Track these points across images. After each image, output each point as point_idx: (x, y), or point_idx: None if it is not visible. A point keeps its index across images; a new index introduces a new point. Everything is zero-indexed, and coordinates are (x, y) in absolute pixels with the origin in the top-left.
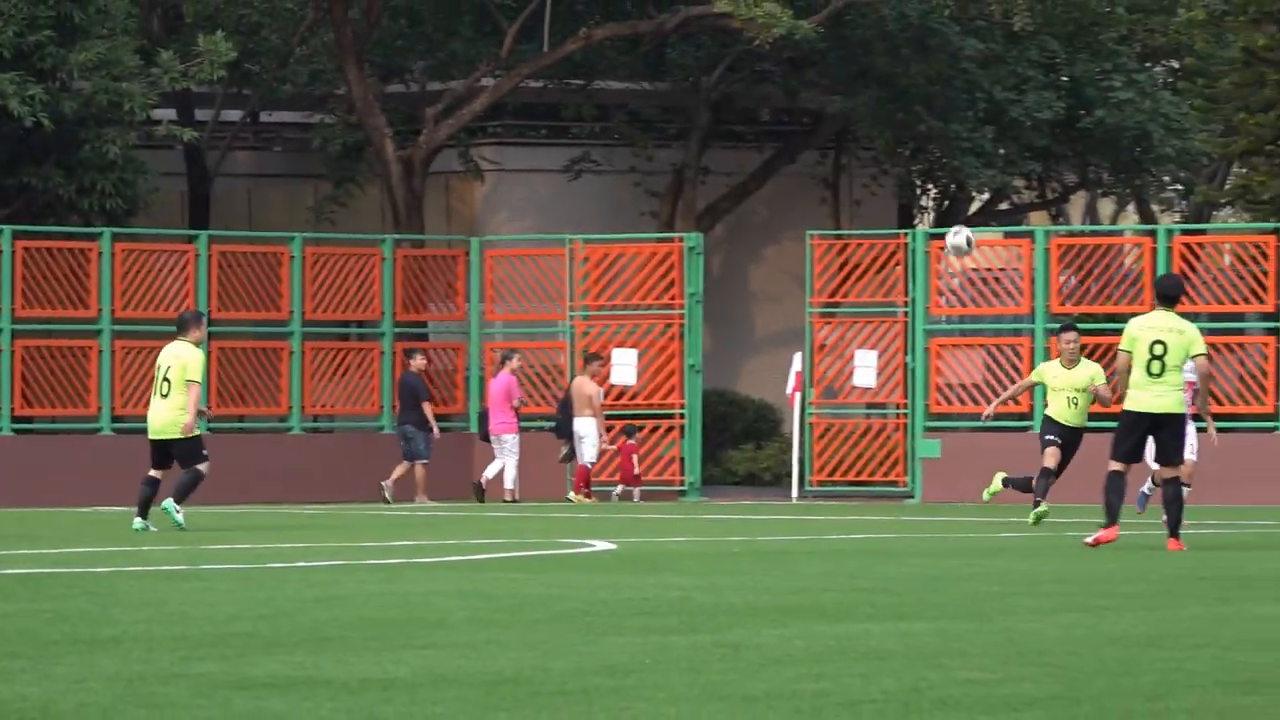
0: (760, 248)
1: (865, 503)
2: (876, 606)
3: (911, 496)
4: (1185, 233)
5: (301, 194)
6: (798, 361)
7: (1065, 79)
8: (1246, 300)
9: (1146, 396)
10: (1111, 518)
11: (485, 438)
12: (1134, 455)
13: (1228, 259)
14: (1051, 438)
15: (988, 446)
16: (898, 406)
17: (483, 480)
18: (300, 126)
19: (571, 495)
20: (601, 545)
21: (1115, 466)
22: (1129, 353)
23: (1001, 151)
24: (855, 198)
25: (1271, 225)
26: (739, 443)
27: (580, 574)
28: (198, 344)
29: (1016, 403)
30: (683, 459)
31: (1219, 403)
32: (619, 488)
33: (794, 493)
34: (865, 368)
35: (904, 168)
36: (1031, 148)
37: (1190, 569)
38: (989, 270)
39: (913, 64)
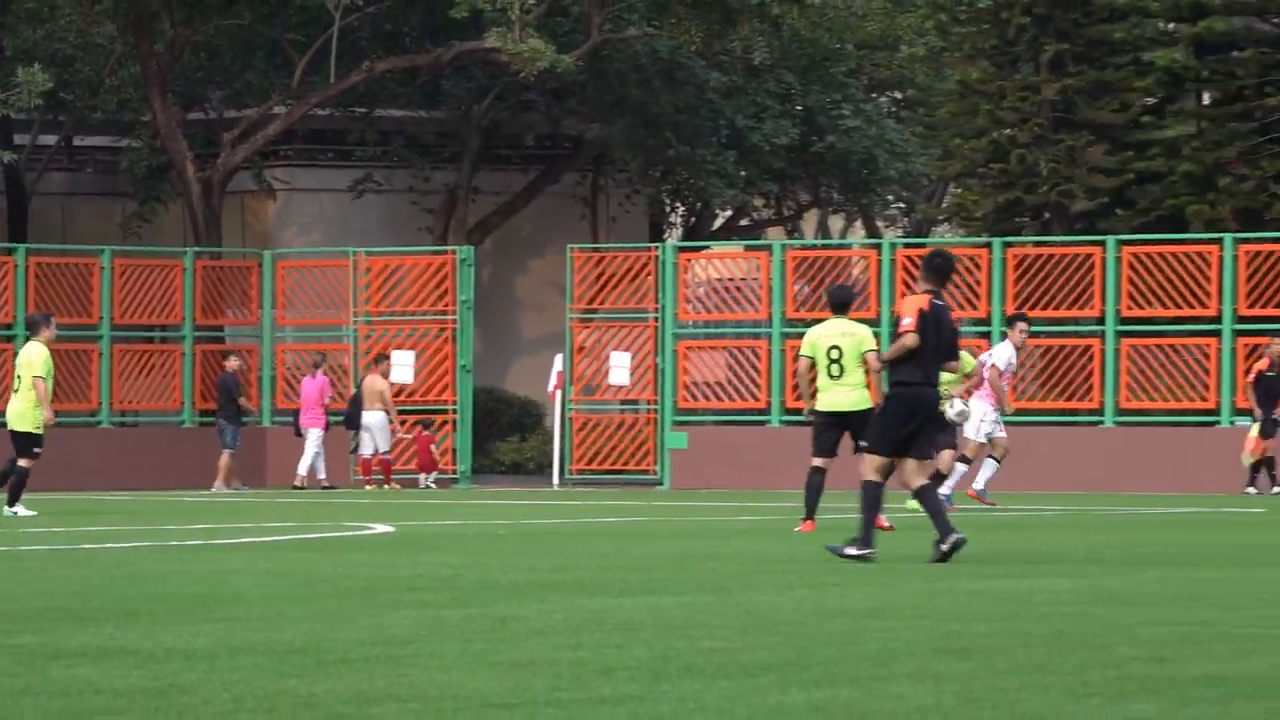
0: (525, 260)
1: (619, 489)
2: (629, 583)
3: (661, 484)
4: (907, 246)
5: (111, 211)
6: (559, 362)
7: (800, 108)
8: (961, 307)
9: (831, 397)
10: (810, 512)
11: (298, 433)
12: (830, 452)
13: None
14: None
15: (731, 439)
16: (649, 403)
17: (302, 478)
18: (110, 150)
19: (364, 483)
20: (382, 528)
21: (816, 463)
22: (810, 358)
23: (743, 173)
24: (611, 215)
25: (984, 239)
26: (506, 435)
27: (362, 554)
28: (47, 343)
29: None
30: (455, 450)
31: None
32: (426, 476)
33: (555, 480)
34: (620, 368)
35: (655, 188)
36: (769, 170)
37: (908, 548)
38: (731, 280)
39: (663, 95)
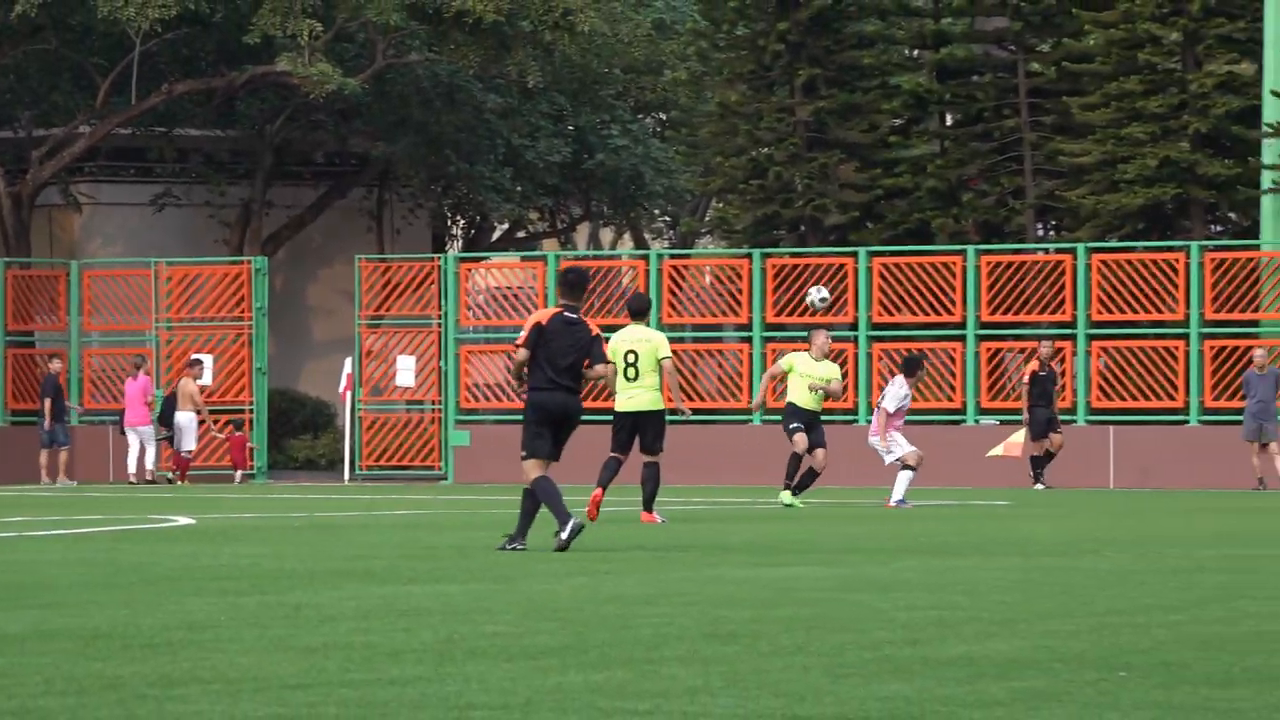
0: (316, 269)
1: (407, 484)
2: (416, 571)
3: (445, 479)
4: (673, 257)
5: None
6: (349, 365)
7: (571, 128)
8: (724, 313)
9: (626, 398)
10: (601, 485)
11: (123, 431)
12: (626, 448)
13: (708, 279)
14: (797, 425)
15: (510, 437)
16: (433, 403)
17: (142, 471)
18: None
19: (171, 478)
20: (184, 520)
21: (614, 454)
22: (610, 363)
23: (518, 189)
24: (396, 227)
25: (744, 251)
26: (299, 433)
27: (166, 545)
28: None
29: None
30: (253, 447)
31: (701, 399)
32: (239, 473)
33: (346, 476)
34: (405, 370)
35: (437, 202)
36: (544, 185)
37: (679, 539)
38: (509, 288)
39: (444, 115)
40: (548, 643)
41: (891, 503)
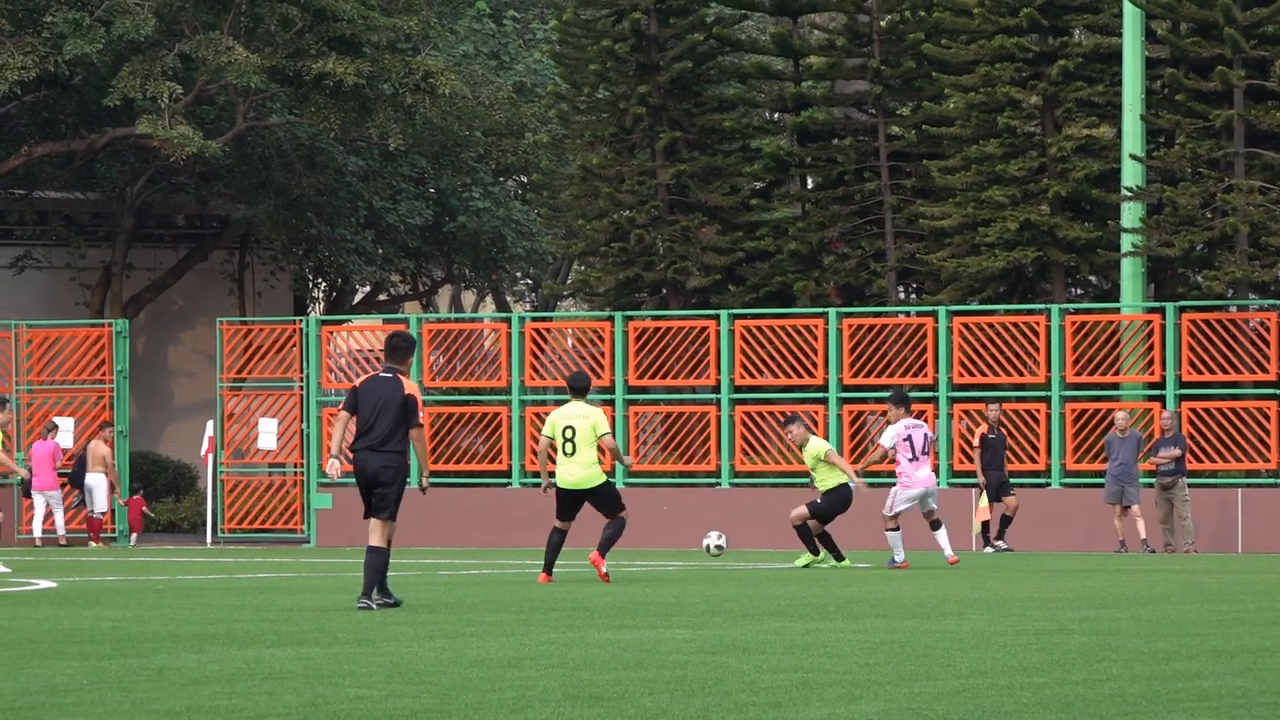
0: (178, 331)
1: (269, 547)
2: (279, 634)
3: (308, 541)
4: (535, 319)
5: None
6: (210, 428)
7: (433, 190)
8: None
9: (564, 472)
10: (547, 568)
11: (27, 493)
12: (569, 517)
13: (570, 342)
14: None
15: None
16: (295, 465)
17: (44, 533)
18: None
19: (91, 539)
20: (45, 584)
21: (558, 524)
22: (550, 437)
23: (380, 251)
24: (258, 290)
25: (606, 313)
26: (161, 496)
27: (26, 608)
28: None
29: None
30: (113, 510)
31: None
32: (135, 536)
33: (209, 539)
34: (267, 433)
35: (298, 264)
36: (405, 248)
37: (544, 600)
38: (371, 351)
39: (305, 178)
40: (411, 706)
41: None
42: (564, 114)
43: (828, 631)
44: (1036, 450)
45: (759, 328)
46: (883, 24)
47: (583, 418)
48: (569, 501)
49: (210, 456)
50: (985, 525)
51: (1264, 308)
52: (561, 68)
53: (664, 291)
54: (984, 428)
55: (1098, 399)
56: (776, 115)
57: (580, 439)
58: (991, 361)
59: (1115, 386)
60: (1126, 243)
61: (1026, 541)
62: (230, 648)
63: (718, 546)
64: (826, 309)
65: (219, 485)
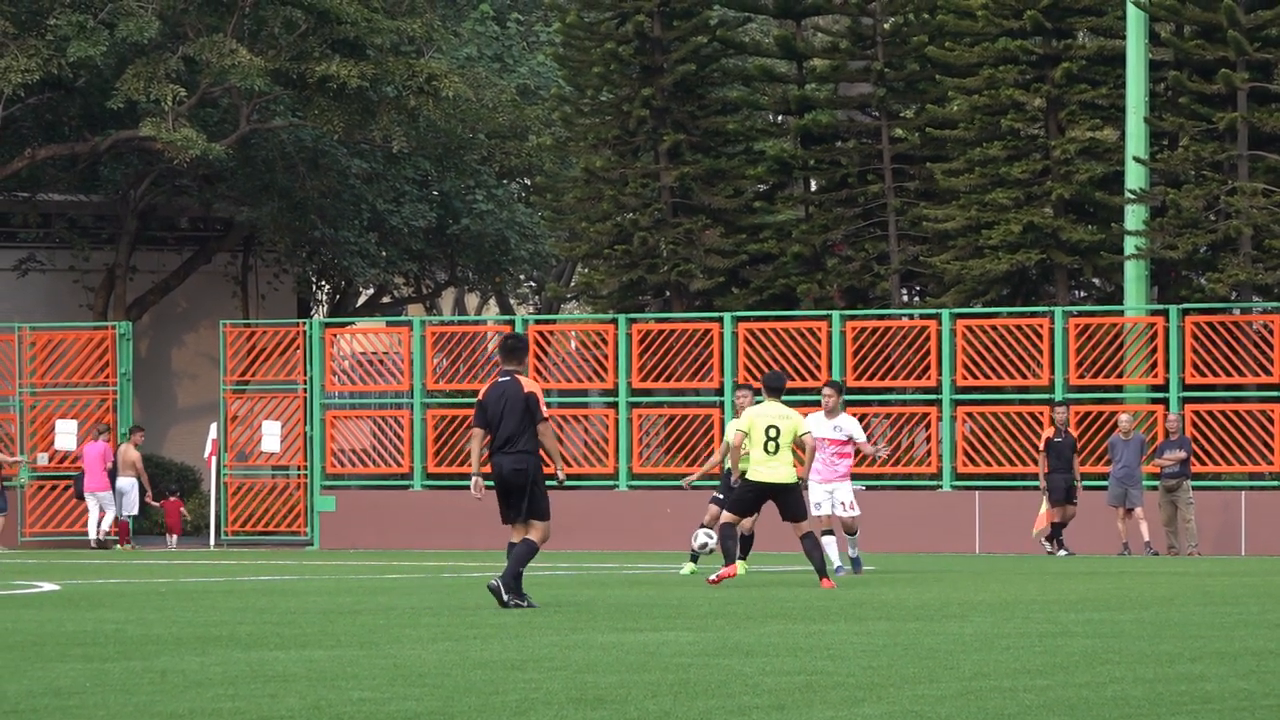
0: (181, 334)
1: (272, 549)
2: (283, 637)
3: (311, 544)
4: (538, 322)
5: None
6: (214, 430)
7: (436, 193)
8: (590, 379)
9: (765, 471)
10: (729, 558)
11: (80, 495)
12: (750, 513)
13: (574, 344)
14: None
15: (376, 502)
16: (299, 468)
17: (100, 534)
18: None
19: (119, 542)
20: (48, 586)
21: (729, 518)
22: (744, 432)
23: (384, 254)
24: (261, 292)
25: (610, 316)
26: (165, 499)
27: (30, 610)
28: None
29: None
30: (185, 514)
31: (568, 464)
32: (173, 537)
33: (212, 541)
34: (271, 435)
35: (302, 267)
36: (409, 251)
37: (547, 602)
38: (374, 354)
39: (308, 180)
40: (414, 709)
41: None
42: (567, 116)
43: (831, 634)
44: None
45: (762, 330)
46: (886, 26)
47: (786, 418)
48: (759, 498)
49: (214, 459)
50: (1056, 527)
51: (1267, 310)
52: (565, 70)
53: (667, 294)
54: (1051, 430)
55: (1101, 401)
56: (780, 118)
57: (783, 439)
58: (995, 364)
59: (1118, 389)
60: (1130, 245)
61: (1032, 544)
62: (233, 650)
63: (701, 545)
64: (830, 311)
65: (222, 488)
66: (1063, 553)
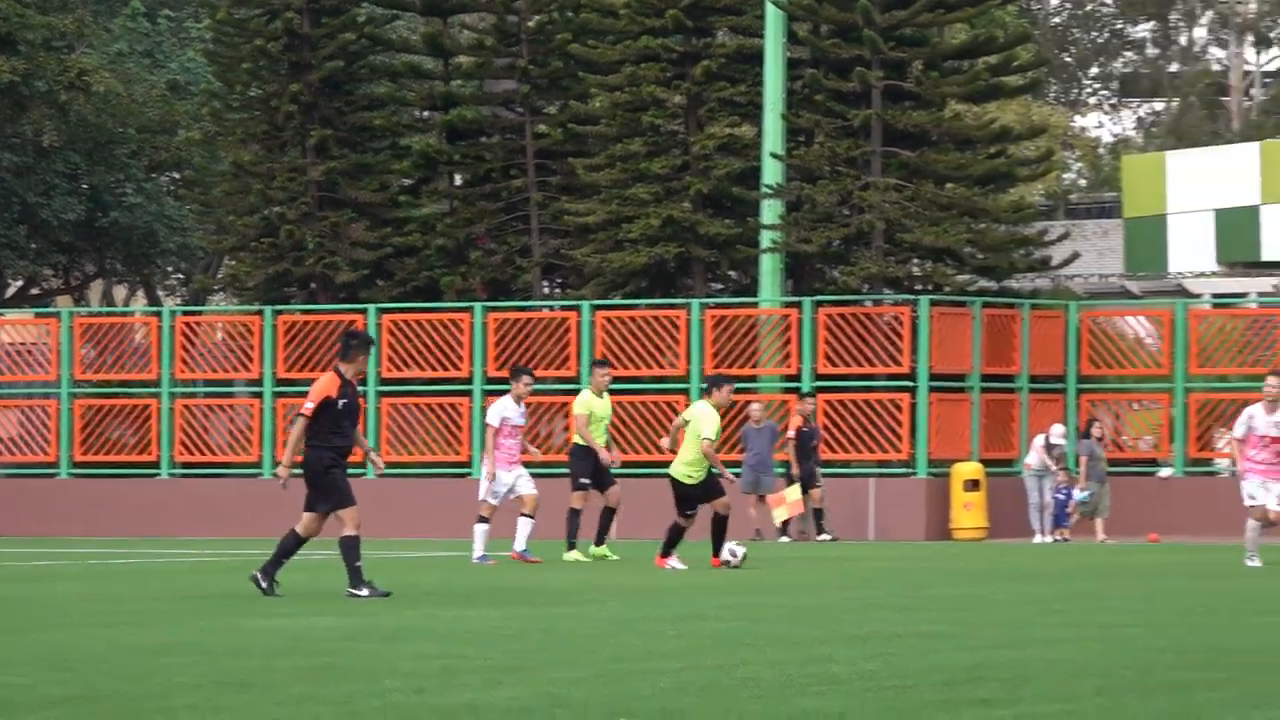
0: None
1: None
2: None
3: None
4: (186, 313)
5: None
6: None
7: (86, 186)
8: (235, 369)
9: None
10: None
11: None
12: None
13: (220, 335)
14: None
15: (23, 489)
16: None
17: None
18: None
19: None
20: None
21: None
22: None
23: (33, 246)
24: None
25: (256, 308)
26: None
27: None
28: None
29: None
30: None
31: (212, 453)
32: None
33: None
34: None
35: None
36: (58, 243)
37: (193, 589)
38: (22, 344)
39: None
40: (61, 693)
41: (516, 551)
42: (217, 111)
43: (473, 619)
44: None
45: (406, 322)
46: (531, 25)
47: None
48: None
49: None
50: (817, 513)
51: (898, 302)
52: (215, 66)
53: (313, 286)
54: (799, 420)
55: (736, 391)
56: (426, 113)
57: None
58: (634, 354)
59: (753, 379)
60: (766, 239)
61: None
62: None
63: (731, 553)
64: (472, 303)
65: None
66: (825, 536)
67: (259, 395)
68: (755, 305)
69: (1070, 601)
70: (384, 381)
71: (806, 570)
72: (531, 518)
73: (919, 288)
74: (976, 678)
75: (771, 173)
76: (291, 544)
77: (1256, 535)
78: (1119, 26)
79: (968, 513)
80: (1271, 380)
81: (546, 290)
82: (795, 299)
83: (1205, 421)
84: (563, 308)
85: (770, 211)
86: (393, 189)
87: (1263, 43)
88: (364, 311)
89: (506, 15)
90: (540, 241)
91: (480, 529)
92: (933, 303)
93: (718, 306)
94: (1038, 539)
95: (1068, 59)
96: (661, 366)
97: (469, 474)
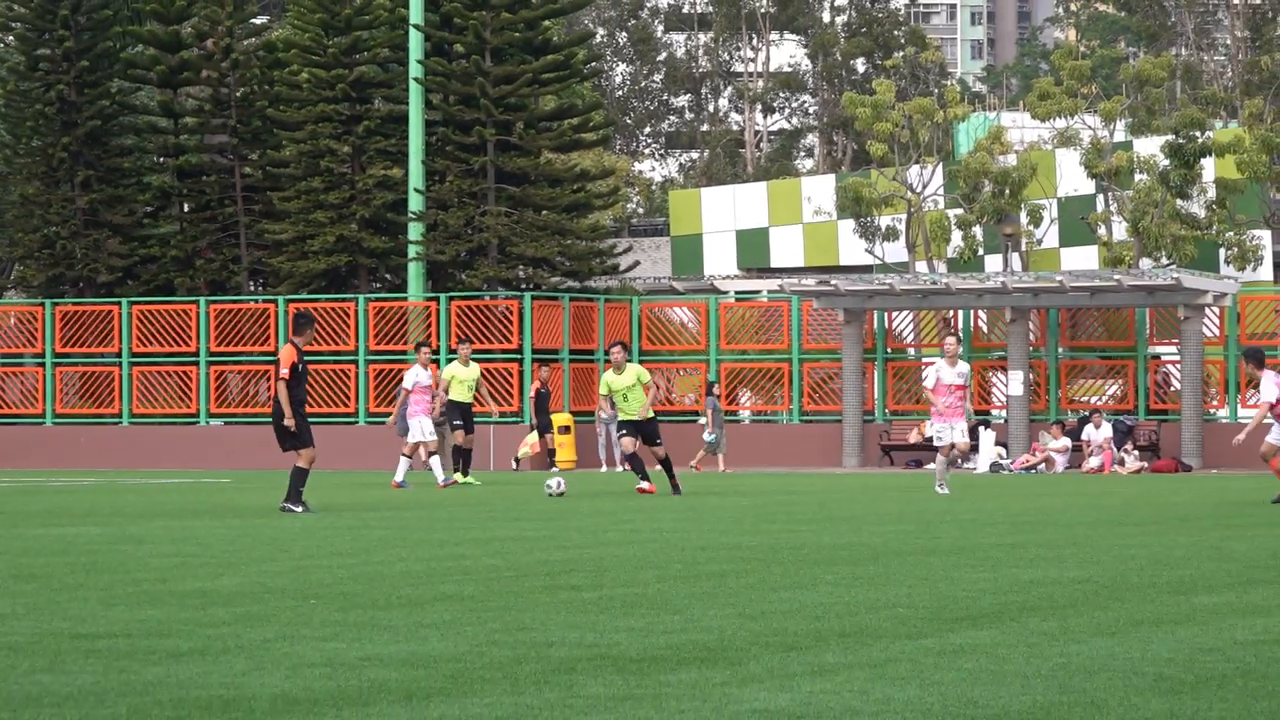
0: None
1: None
2: None
3: None
4: None
5: None
6: None
7: None
8: (25, 346)
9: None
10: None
11: None
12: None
13: (13, 320)
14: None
15: None
16: None
17: None
18: None
19: None
20: None
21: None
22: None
23: None
24: None
25: (39, 301)
26: None
27: None
28: None
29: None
30: None
31: (6, 406)
32: None
33: None
34: None
35: None
36: None
37: None
38: None
39: None
40: None
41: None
42: (8, 157)
43: (198, 528)
44: (348, 399)
45: (152, 312)
46: (238, 94)
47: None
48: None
49: None
50: (550, 454)
51: (509, 296)
52: (5, 124)
53: (81, 285)
54: (538, 384)
55: (392, 362)
56: (161, 159)
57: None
58: (318, 337)
59: (404, 354)
60: (412, 251)
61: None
62: None
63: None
64: (198, 298)
65: None
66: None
67: (42, 365)
68: (405, 299)
69: (636, 514)
70: (134, 355)
71: (455, 494)
72: (409, 457)
73: (524, 287)
74: (570, 570)
75: (416, 203)
76: (301, 474)
77: (944, 467)
78: (665, 98)
79: (562, 450)
80: (949, 340)
81: (252, 288)
82: (435, 295)
83: (732, 384)
84: (264, 301)
85: (415, 231)
86: (138, 214)
87: (768, 110)
88: (119, 303)
89: (220, 88)
90: (248, 253)
91: (435, 460)
92: (534, 298)
93: (378, 300)
94: (605, 469)
95: (629, 120)
96: (335, 344)
97: (196, 422)
